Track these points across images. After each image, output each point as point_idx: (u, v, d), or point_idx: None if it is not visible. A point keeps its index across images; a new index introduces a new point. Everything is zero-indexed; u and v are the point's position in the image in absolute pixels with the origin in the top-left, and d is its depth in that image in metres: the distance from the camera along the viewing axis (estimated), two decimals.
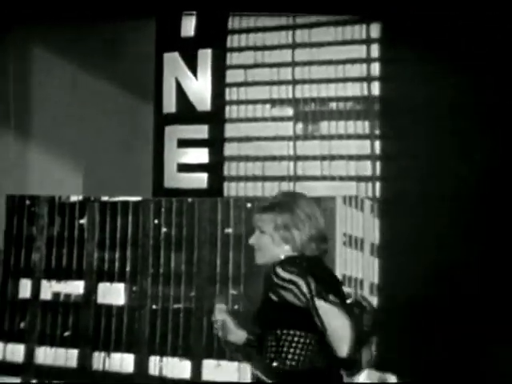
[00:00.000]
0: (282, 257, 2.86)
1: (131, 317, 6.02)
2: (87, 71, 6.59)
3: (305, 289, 2.77)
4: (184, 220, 5.92)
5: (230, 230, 5.67)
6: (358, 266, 5.43)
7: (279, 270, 2.80)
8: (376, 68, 5.74)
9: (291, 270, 2.81)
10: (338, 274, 5.50)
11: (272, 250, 2.91)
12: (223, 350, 3.47)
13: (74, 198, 6.37)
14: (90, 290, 6.23)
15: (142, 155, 6.41)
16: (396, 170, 5.45)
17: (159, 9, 6.08)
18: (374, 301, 5.42)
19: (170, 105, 6.34)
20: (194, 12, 6.18)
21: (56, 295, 6.33)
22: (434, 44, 5.26)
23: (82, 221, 6.32)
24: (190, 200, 5.90)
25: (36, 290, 6.40)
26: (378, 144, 5.82)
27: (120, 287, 6.11)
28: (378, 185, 5.70)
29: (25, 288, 6.41)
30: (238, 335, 3.12)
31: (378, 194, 5.73)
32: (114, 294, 6.15)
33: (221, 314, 3.13)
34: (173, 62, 6.25)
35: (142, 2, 6.06)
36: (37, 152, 6.87)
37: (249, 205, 5.75)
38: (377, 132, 5.81)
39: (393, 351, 4.98)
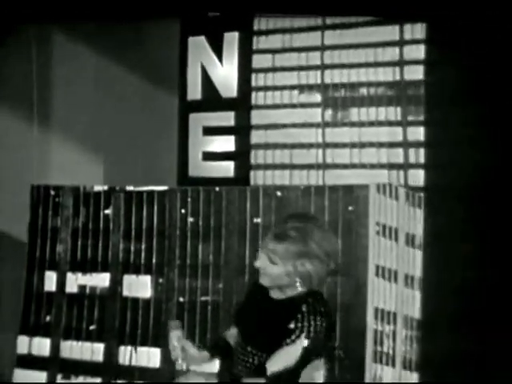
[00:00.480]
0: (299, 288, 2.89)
1: (158, 310, 5.81)
2: (109, 57, 6.35)
3: (312, 328, 2.83)
4: (211, 209, 5.69)
5: (259, 220, 5.44)
6: (392, 257, 5.16)
7: (309, 308, 2.85)
8: (412, 51, 5.42)
9: (316, 309, 2.88)
10: (371, 264, 5.24)
11: (282, 280, 2.96)
12: None
13: (98, 188, 6.17)
14: (116, 283, 6.03)
15: (167, 143, 6.17)
16: (442, 157, 5.16)
17: (183, 9, 5.80)
18: (416, 294, 5.15)
19: (194, 91, 6.09)
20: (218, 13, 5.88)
21: (82, 288, 6.15)
22: (483, 30, 4.94)
23: (107, 211, 6.12)
24: (217, 189, 5.67)
25: (61, 282, 6.22)
26: (410, 130, 5.53)
27: (146, 279, 5.90)
28: (412, 172, 5.42)
29: (50, 281, 6.23)
30: (201, 358, 2.98)
31: (412, 181, 5.44)
32: (140, 286, 5.95)
33: (179, 340, 2.86)
34: (198, 46, 6.00)
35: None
36: (59, 141, 6.65)
37: (279, 193, 5.51)
38: (410, 118, 5.51)
39: (436, 348, 4.73)
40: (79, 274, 6.28)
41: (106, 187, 6.26)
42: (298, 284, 2.91)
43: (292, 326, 2.87)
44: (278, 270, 2.94)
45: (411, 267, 5.30)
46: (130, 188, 6.18)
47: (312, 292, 2.97)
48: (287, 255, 2.90)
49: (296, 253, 2.88)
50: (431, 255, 5.09)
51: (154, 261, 6.02)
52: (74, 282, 6.32)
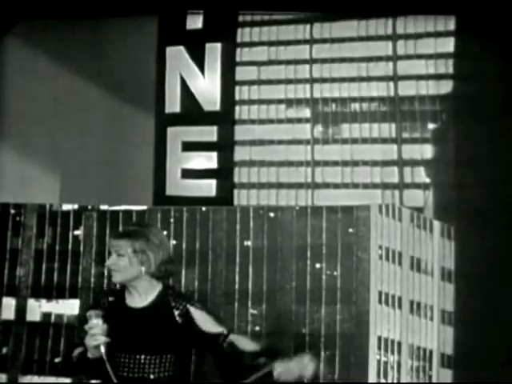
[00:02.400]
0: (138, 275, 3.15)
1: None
2: (73, 67, 5.60)
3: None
4: (197, 231, 5.04)
5: (249, 243, 4.82)
6: (396, 282, 4.65)
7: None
8: (406, 65, 4.96)
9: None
10: (373, 290, 4.72)
11: (130, 271, 3.17)
12: None
13: (67, 207, 5.42)
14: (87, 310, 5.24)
15: (142, 159, 5.46)
16: (469, 175, 4.69)
17: (163, 7, 5.15)
18: (423, 321, 4.66)
19: (173, 104, 5.42)
20: (201, 11, 5.25)
21: (46, 316, 5.38)
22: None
23: (77, 232, 5.37)
24: (203, 209, 5.01)
25: (22, 310, 5.42)
26: (405, 148, 5.04)
27: None
28: (407, 192, 4.93)
29: (9, 308, 5.40)
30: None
31: (407, 202, 4.95)
32: None
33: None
34: (177, 56, 5.34)
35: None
36: (13, 155, 5.84)
37: (272, 214, 4.91)
38: (405, 135, 5.03)
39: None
40: (43, 301, 5.53)
41: (76, 206, 5.51)
42: (142, 269, 3.15)
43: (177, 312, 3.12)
44: (125, 261, 3.16)
45: (417, 293, 4.81)
46: (103, 207, 5.45)
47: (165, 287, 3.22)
48: (132, 247, 3.17)
49: (139, 244, 3.16)
50: (464, 288, 4.60)
51: None
52: (37, 309, 5.54)
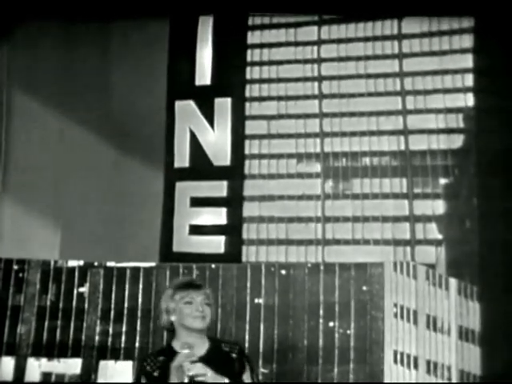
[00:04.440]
0: None
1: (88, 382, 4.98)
2: (77, 119, 5.54)
3: None
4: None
5: (261, 301, 4.72)
6: (412, 341, 4.54)
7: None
8: (416, 120, 4.95)
9: None
10: (388, 350, 4.61)
11: (209, 319, 3.19)
12: None
13: (72, 263, 5.32)
14: (90, 369, 5.15)
15: (149, 215, 5.38)
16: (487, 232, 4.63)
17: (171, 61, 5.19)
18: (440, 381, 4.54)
19: (182, 158, 5.37)
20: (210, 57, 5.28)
21: (46, 376, 5.24)
22: None
23: (82, 289, 5.27)
24: (213, 266, 4.92)
25: (21, 369, 5.26)
26: (416, 204, 4.98)
27: (127, 366, 5.05)
28: (419, 249, 4.85)
29: (7, 368, 5.25)
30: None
31: (419, 258, 4.87)
32: (119, 373, 5.09)
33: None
34: (186, 110, 5.33)
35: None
36: (13, 208, 5.74)
37: (283, 272, 4.82)
38: (417, 190, 4.98)
39: None
40: (43, 360, 5.41)
41: (81, 262, 5.40)
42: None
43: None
44: (211, 310, 3.19)
45: (433, 353, 4.68)
46: (110, 264, 5.35)
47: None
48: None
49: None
50: (490, 351, 4.48)
51: (136, 345, 5.18)
52: (37, 368, 5.39)
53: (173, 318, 3.17)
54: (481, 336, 4.80)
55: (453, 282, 5.03)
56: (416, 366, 4.80)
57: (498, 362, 4.71)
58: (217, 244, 5.44)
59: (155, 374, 3.10)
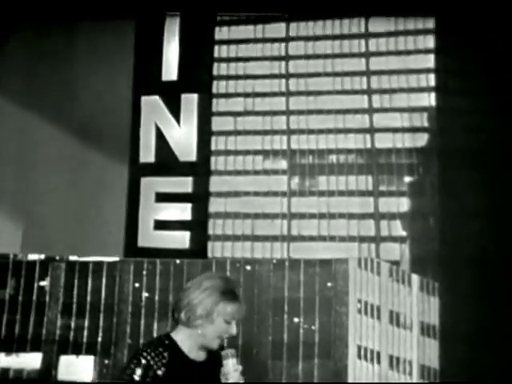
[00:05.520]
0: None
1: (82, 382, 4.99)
2: (44, 111, 5.54)
3: None
4: (170, 284, 4.96)
5: None
6: (375, 337, 4.63)
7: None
8: (382, 118, 5.04)
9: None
10: (352, 345, 4.69)
11: None
12: None
13: (33, 257, 5.28)
14: (50, 365, 5.14)
15: (114, 210, 5.39)
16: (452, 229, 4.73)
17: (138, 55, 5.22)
18: (402, 377, 4.63)
19: (148, 154, 5.39)
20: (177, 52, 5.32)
21: (4, 371, 5.19)
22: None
23: (43, 283, 5.24)
24: (177, 261, 4.95)
25: None
26: (382, 201, 5.09)
27: (88, 361, 5.06)
28: (384, 246, 4.95)
29: None
30: None
31: (384, 255, 4.96)
32: (80, 368, 5.09)
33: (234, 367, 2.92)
34: (153, 106, 5.35)
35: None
36: None
37: (248, 267, 4.87)
38: (382, 188, 5.08)
39: None
40: (1, 355, 5.35)
41: (42, 256, 5.38)
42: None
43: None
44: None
45: (396, 348, 4.78)
46: (72, 258, 5.34)
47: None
48: None
49: None
50: (447, 345, 4.58)
51: (99, 339, 5.18)
52: None
53: (200, 322, 2.91)
54: (440, 331, 4.92)
55: (415, 278, 5.14)
56: (379, 361, 4.89)
57: (456, 357, 4.83)
58: (182, 239, 5.48)
59: (159, 372, 2.86)
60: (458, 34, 5.16)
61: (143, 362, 2.86)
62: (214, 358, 2.95)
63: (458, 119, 5.20)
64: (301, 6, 5.32)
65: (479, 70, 5.04)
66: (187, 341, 2.91)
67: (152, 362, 2.86)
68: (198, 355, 2.93)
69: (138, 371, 2.85)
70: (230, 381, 2.88)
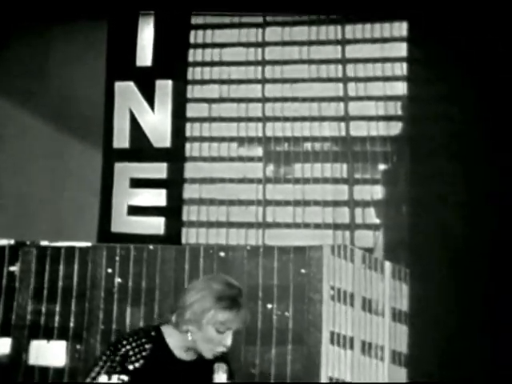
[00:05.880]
0: None
1: (73, 381, 4.97)
2: (16, 96, 5.51)
3: None
4: (144, 269, 4.96)
5: None
6: (348, 323, 4.68)
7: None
8: (357, 107, 5.08)
9: None
10: (325, 331, 4.74)
11: None
12: None
13: (2, 242, 5.25)
14: (20, 349, 5.11)
15: (87, 195, 5.37)
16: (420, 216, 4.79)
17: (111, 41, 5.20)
18: (373, 362, 4.68)
19: (122, 139, 5.37)
20: (151, 38, 5.30)
21: None
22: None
23: (12, 268, 5.21)
24: (151, 247, 4.95)
25: None
26: (356, 189, 5.13)
27: (60, 346, 5.04)
28: (358, 233, 5.00)
29: None
30: None
31: (358, 243, 5.02)
32: (51, 353, 5.08)
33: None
34: (126, 91, 5.33)
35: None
36: None
37: (222, 254, 4.89)
38: (357, 176, 5.13)
39: None
40: None
41: (12, 241, 5.34)
42: None
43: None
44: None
45: (368, 334, 4.84)
46: (44, 243, 5.31)
47: None
48: None
49: None
50: (417, 331, 4.64)
51: (71, 325, 5.17)
52: None
53: (188, 328, 2.65)
54: (409, 317, 4.99)
55: (388, 265, 5.20)
56: (352, 347, 4.94)
57: (425, 343, 4.90)
58: (156, 225, 5.47)
59: (137, 364, 2.62)
60: (430, 25, 5.21)
61: (122, 351, 2.64)
62: (205, 360, 2.68)
63: (429, 108, 5.26)
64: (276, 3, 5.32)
65: (451, 59, 5.10)
66: (176, 338, 2.69)
67: (131, 353, 2.64)
68: (185, 354, 2.71)
69: (116, 359, 2.64)
70: None
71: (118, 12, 5.57)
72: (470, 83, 5.00)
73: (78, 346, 5.28)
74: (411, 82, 5.32)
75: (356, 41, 5.47)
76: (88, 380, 2.63)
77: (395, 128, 5.42)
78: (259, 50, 5.58)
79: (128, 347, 2.61)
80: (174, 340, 2.65)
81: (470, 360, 4.58)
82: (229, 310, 2.58)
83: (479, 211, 4.89)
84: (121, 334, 2.67)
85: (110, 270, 5.30)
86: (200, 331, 2.59)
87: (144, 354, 2.61)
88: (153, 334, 2.65)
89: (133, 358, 2.60)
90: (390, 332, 5.03)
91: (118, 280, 5.27)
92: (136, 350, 2.62)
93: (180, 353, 2.67)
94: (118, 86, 5.58)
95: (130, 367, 2.58)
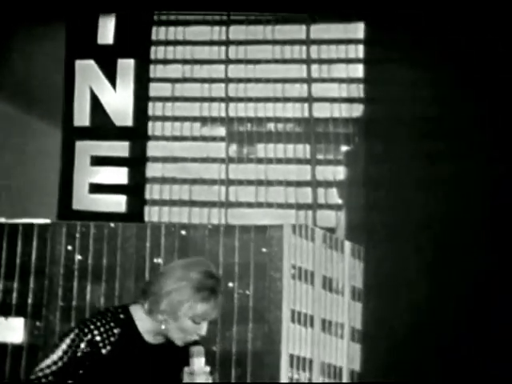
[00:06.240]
0: None
1: (32, 357, 4.93)
2: None
3: None
4: (104, 247, 4.95)
5: (160, 260, 4.79)
6: (308, 301, 4.75)
7: None
8: (321, 88, 5.13)
9: None
10: (286, 309, 4.80)
11: None
12: None
13: None
14: None
15: (47, 173, 5.32)
16: (375, 198, 4.85)
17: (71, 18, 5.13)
18: (333, 339, 4.76)
19: (82, 117, 5.33)
20: (113, 16, 5.25)
21: None
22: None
23: None
24: (112, 225, 4.95)
25: None
26: (319, 169, 5.20)
27: (18, 322, 5.00)
28: (321, 213, 5.06)
29: None
30: None
31: (321, 222, 5.08)
32: (9, 330, 5.03)
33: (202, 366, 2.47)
34: (87, 70, 5.29)
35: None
36: None
37: (183, 232, 4.91)
38: (319, 156, 5.18)
39: None
40: None
41: None
42: None
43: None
44: None
45: (328, 312, 4.91)
46: (1, 220, 5.27)
47: None
48: None
49: None
50: (372, 307, 4.71)
51: (29, 301, 5.13)
52: None
53: (163, 318, 2.45)
54: (364, 294, 5.06)
55: (347, 244, 5.27)
56: (312, 325, 5.01)
57: (376, 317, 4.97)
58: (118, 203, 5.45)
59: (104, 350, 2.46)
60: (386, 6, 5.26)
61: (88, 336, 2.49)
62: (173, 343, 2.49)
63: (387, 90, 5.32)
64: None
65: (411, 41, 5.17)
66: (146, 323, 2.52)
67: (98, 338, 2.49)
68: (153, 338, 2.51)
69: (81, 345, 2.46)
70: (196, 381, 2.55)
71: None
72: (431, 65, 5.08)
73: (37, 323, 5.26)
74: (368, 64, 5.37)
75: (321, 22, 5.50)
76: (43, 365, 2.48)
77: (357, 110, 5.48)
78: (223, 29, 5.59)
79: (95, 332, 2.48)
80: (144, 324, 2.50)
81: (421, 337, 4.68)
82: (207, 301, 2.44)
83: (439, 191, 4.98)
84: (88, 317, 2.47)
85: (69, 248, 5.28)
86: (175, 322, 2.45)
87: (112, 339, 2.47)
88: (121, 316, 2.51)
89: (100, 345, 2.46)
90: (349, 310, 5.11)
91: (78, 257, 5.26)
92: (104, 335, 2.49)
93: (149, 337, 2.52)
94: (79, 64, 5.54)
95: (97, 354, 2.40)
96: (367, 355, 4.96)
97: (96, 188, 5.52)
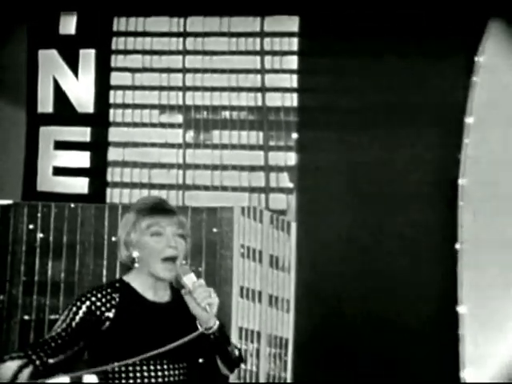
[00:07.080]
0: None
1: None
2: None
3: None
4: (65, 226, 5.26)
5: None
6: (256, 278, 5.10)
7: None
8: (273, 79, 5.46)
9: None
10: (235, 286, 5.15)
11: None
12: None
13: None
14: None
15: (11, 156, 5.63)
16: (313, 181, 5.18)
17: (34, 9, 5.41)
18: (280, 313, 5.10)
19: (46, 104, 5.64)
20: (74, 12, 5.55)
21: None
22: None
23: None
24: (72, 205, 5.25)
25: None
26: (271, 155, 5.54)
27: None
28: (273, 196, 5.41)
29: None
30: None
31: (273, 205, 5.42)
32: None
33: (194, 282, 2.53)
34: (50, 59, 5.59)
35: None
36: None
37: None
38: (271, 143, 5.53)
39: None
40: None
41: None
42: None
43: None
44: (186, 244, 2.63)
45: (275, 288, 5.26)
46: None
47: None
48: (187, 227, 2.63)
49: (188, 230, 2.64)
50: (303, 279, 5.06)
51: None
52: None
53: (135, 254, 2.51)
54: (295, 265, 5.41)
55: (294, 225, 5.61)
56: (260, 300, 5.34)
57: (313, 290, 5.32)
58: (81, 185, 5.78)
59: (109, 314, 2.44)
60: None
61: (86, 303, 2.47)
62: (181, 298, 2.55)
63: (321, 80, 5.64)
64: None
65: (343, 32, 5.48)
66: (140, 280, 2.51)
67: (99, 304, 2.46)
68: (157, 296, 2.55)
69: (80, 313, 2.45)
70: (197, 296, 2.49)
71: None
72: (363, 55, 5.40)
73: (0, 297, 5.54)
74: (302, 56, 5.69)
75: (274, 12, 5.81)
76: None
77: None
78: (181, 20, 5.90)
79: (93, 299, 2.49)
80: (140, 283, 2.51)
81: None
82: (149, 215, 2.51)
83: (364, 182, 5.33)
84: (82, 292, 2.55)
85: (31, 226, 5.57)
86: (142, 250, 2.50)
87: (113, 302, 2.47)
88: (117, 285, 2.53)
89: (103, 309, 2.46)
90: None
91: (40, 235, 5.55)
92: (103, 300, 2.49)
93: (151, 295, 2.54)
94: (42, 53, 5.84)
95: (103, 318, 2.44)
96: (297, 324, 5.34)
97: (59, 171, 5.84)
